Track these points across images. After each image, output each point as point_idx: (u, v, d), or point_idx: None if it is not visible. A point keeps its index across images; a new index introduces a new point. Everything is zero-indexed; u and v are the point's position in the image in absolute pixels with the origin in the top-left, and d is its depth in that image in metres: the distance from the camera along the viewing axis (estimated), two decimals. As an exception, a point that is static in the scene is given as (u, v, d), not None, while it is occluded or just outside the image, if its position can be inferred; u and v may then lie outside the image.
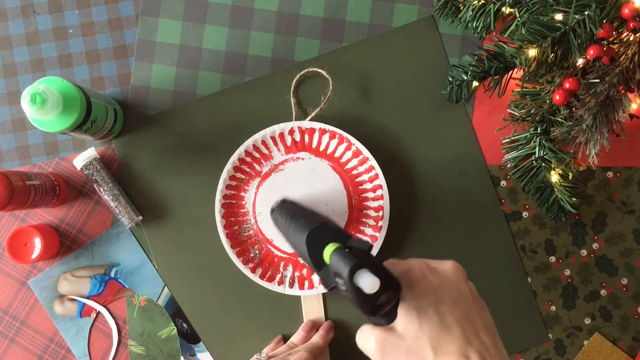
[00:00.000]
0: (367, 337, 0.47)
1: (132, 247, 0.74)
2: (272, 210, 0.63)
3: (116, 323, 0.74)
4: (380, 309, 0.45)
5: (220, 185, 0.71)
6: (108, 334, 0.74)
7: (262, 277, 0.71)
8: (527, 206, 0.74)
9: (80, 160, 0.71)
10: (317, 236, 0.51)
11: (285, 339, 0.73)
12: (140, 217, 0.73)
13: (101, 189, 0.72)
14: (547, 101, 0.67)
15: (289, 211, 0.59)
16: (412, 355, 0.44)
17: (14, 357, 0.73)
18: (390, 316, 0.46)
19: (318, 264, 0.50)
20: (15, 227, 0.73)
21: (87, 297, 0.74)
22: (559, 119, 0.66)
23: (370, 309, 0.44)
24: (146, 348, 0.74)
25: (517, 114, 0.69)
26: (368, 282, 0.43)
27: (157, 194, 0.74)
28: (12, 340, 0.74)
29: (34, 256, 0.70)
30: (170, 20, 0.75)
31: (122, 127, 0.74)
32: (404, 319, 0.45)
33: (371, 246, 0.47)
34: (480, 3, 0.68)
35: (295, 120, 0.73)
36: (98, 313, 0.74)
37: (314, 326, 0.72)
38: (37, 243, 0.70)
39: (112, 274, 0.74)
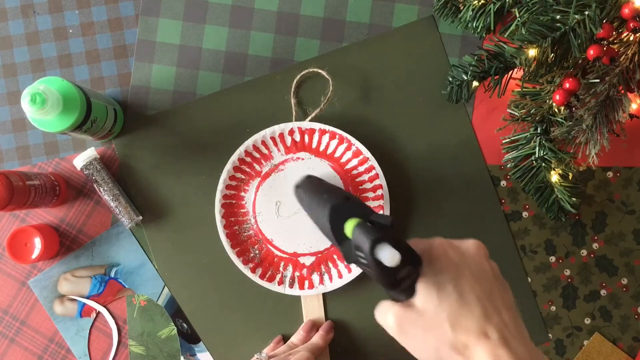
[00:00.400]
0: (385, 313, 0.47)
1: (132, 247, 0.74)
2: (297, 186, 0.63)
3: (116, 323, 0.74)
4: (401, 284, 0.45)
5: (220, 185, 0.71)
6: (108, 334, 0.74)
7: (262, 277, 0.71)
8: (527, 206, 0.74)
9: (80, 160, 0.71)
10: (340, 211, 0.51)
11: (285, 339, 0.73)
12: (140, 217, 0.73)
13: (101, 189, 0.72)
14: (547, 101, 0.67)
15: (312, 187, 0.59)
16: (431, 331, 0.44)
17: (14, 357, 0.73)
18: (410, 292, 0.46)
19: (340, 238, 0.50)
20: (15, 227, 0.73)
21: (87, 297, 0.74)
22: (559, 119, 0.66)
23: (391, 283, 0.45)
24: (146, 348, 0.74)
25: (517, 114, 0.69)
26: (389, 255, 0.43)
27: (157, 194, 0.74)
28: (12, 340, 0.74)
29: (34, 256, 0.70)
30: (170, 20, 0.75)
31: (122, 127, 0.74)
32: (423, 295, 0.45)
33: (393, 221, 0.47)
34: (480, 3, 0.68)
35: (295, 120, 0.73)
36: (98, 313, 0.74)
37: (314, 326, 0.72)
38: (37, 243, 0.70)
39: (112, 274, 0.74)
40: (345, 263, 0.50)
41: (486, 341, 0.43)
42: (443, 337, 0.44)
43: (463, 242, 0.49)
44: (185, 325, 0.74)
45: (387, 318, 0.46)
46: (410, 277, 0.45)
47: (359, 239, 0.45)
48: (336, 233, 0.50)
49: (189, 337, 0.74)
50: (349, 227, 0.48)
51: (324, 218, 0.51)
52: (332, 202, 0.52)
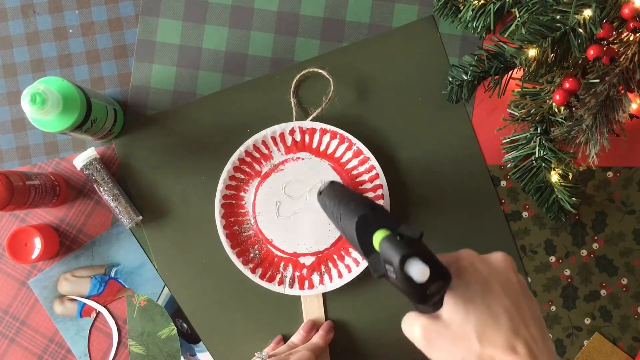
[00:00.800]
0: (412, 325, 0.46)
1: (132, 247, 0.74)
2: (320, 193, 0.62)
3: (116, 323, 0.74)
4: (430, 298, 0.44)
5: (220, 186, 0.71)
6: (108, 334, 0.74)
7: (262, 277, 0.71)
8: (527, 206, 0.74)
9: (80, 160, 0.71)
10: (367, 222, 0.50)
11: (285, 339, 0.73)
12: (140, 217, 0.73)
13: (101, 189, 0.72)
14: (547, 101, 0.67)
15: (337, 195, 0.58)
16: (458, 344, 0.44)
17: (14, 357, 0.73)
18: (437, 305, 0.45)
19: (367, 250, 0.49)
20: (15, 227, 0.73)
21: (87, 297, 0.74)
22: (559, 119, 0.66)
23: (420, 298, 0.44)
24: (146, 348, 0.74)
25: (517, 114, 0.69)
26: (418, 271, 0.42)
27: (157, 194, 0.74)
28: (12, 340, 0.74)
29: (34, 256, 0.70)
30: (170, 20, 0.75)
31: (122, 127, 0.74)
32: (450, 307, 0.44)
33: (422, 233, 0.46)
34: (480, 3, 0.68)
35: (296, 120, 0.73)
36: (98, 313, 0.74)
37: (314, 326, 0.72)
38: (37, 243, 0.70)
39: (112, 274, 0.74)
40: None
41: (514, 356, 0.42)
42: (470, 350, 0.43)
43: (491, 255, 0.48)
44: (185, 325, 0.74)
45: (414, 329, 0.46)
46: (439, 292, 0.45)
47: (388, 253, 0.45)
48: (364, 245, 0.49)
49: (189, 337, 0.74)
50: (377, 239, 0.47)
51: (351, 229, 0.51)
52: (358, 212, 0.51)
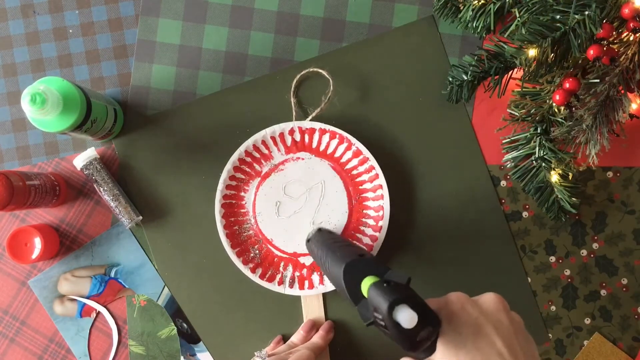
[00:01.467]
0: None
1: (132, 247, 0.74)
2: (308, 240, 0.63)
3: (116, 323, 0.74)
4: (420, 345, 0.44)
5: (220, 185, 0.71)
6: (108, 334, 0.74)
7: (262, 277, 0.71)
8: (527, 206, 0.74)
9: (80, 160, 0.71)
10: (354, 269, 0.50)
11: (285, 338, 0.73)
12: (140, 217, 0.73)
13: (101, 189, 0.72)
14: (547, 101, 0.67)
15: (325, 242, 0.58)
16: None
17: (14, 357, 0.73)
18: (429, 350, 0.45)
19: (356, 298, 0.49)
20: (15, 227, 0.73)
21: (87, 297, 0.74)
22: (559, 119, 0.66)
23: (410, 345, 0.43)
24: (146, 348, 0.74)
25: (517, 114, 0.69)
26: (406, 317, 0.42)
27: (157, 194, 0.74)
28: (12, 340, 0.74)
29: (34, 256, 0.70)
30: (170, 20, 0.75)
31: (122, 127, 0.74)
32: (442, 353, 0.44)
33: (409, 279, 0.46)
34: (480, 3, 0.68)
35: (296, 120, 0.73)
36: (98, 313, 0.74)
37: (314, 326, 0.72)
38: (37, 243, 0.70)
39: (112, 274, 0.74)
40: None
41: None
42: None
43: (481, 297, 0.47)
44: (185, 325, 0.74)
45: None
46: (429, 338, 0.44)
47: (376, 299, 0.44)
48: (352, 293, 0.49)
49: (189, 337, 0.74)
50: (365, 286, 0.47)
51: (339, 276, 0.50)
52: (345, 259, 0.51)
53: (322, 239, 0.60)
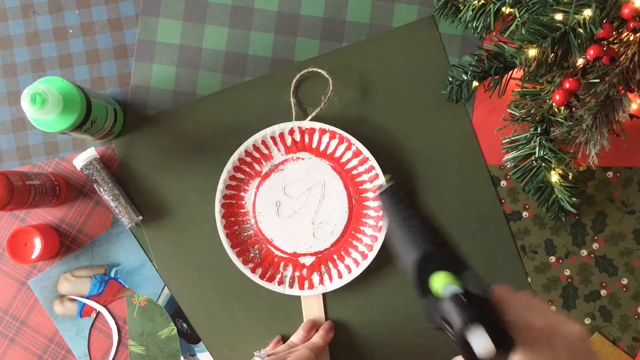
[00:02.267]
0: None
1: (132, 247, 0.74)
2: (381, 193, 0.53)
3: (116, 323, 0.74)
4: None
5: (220, 185, 0.71)
6: (108, 334, 0.74)
7: (262, 277, 0.71)
8: (527, 206, 0.74)
9: (80, 160, 0.71)
10: (429, 262, 0.45)
11: (285, 339, 0.73)
12: (140, 217, 0.73)
13: (101, 189, 0.72)
14: (547, 101, 0.67)
15: (400, 208, 0.50)
16: None
17: (14, 357, 0.73)
18: None
19: (423, 291, 0.44)
20: (15, 227, 0.73)
21: (87, 297, 0.74)
22: (559, 119, 0.66)
23: None
24: (146, 348, 0.74)
25: (517, 114, 0.69)
26: (482, 345, 0.38)
27: (157, 194, 0.74)
28: (12, 340, 0.74)
29: (34, 256, 0.70)
30: (170, 20, 0.75)
31: (122, 127, 0.74)
32: None
33: (488, 286, 0.42)
34: (480, 3, 0.68)
35: (295, 120, 0.73)
36: (98, 313, 0.74)
37: (314, 326, 0.72)
38: (37, 243, 0.70)
39: (112, 274, 0.74)
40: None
41: None
42: None
43: (569, 327, 0.42)
44: (185, 325, 0.74)
45: None
46: (498, 359, 0.40)
47: (450, 313, 0.40)
48: (420, 284, 0.44)
49: (189, 337, 0.74)
50: (437, 284, 0.43)
51: (408, 265, 0.46)
52: (421, 246, 0.46)
53: (400, 204, 0.51)
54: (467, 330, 0.39)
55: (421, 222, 0.49)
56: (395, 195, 0.52)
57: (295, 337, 0.71)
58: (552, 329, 0.41)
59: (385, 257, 0.72)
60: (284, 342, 0.71)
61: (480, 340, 0.38)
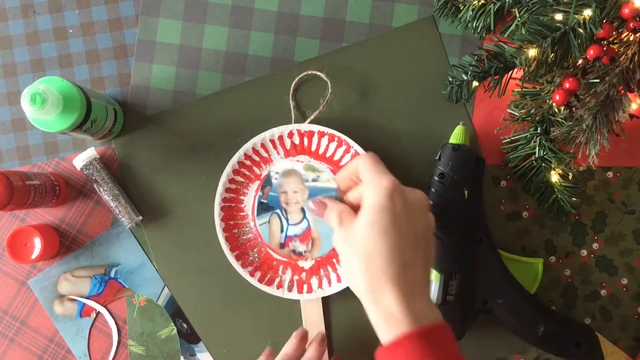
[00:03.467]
0: (331, 211, 0.58)
1: (132, 247, 0.74)
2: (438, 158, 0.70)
3: (116, 323, 0.74)
4: None
5: (220, 189, 0.71)
6: (108, 334, 0.74)
7: (261, 280, 0.71)
8: (527, 206, 0.74)
9: (80, 160, 0.71)
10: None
11: (284, 340, 0.72)
12: (140, 217, 0.73)
13: (101, 189, 0.72)
14: (547, 101, 0.67)
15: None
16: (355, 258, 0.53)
17: (14, 357, 0.73)
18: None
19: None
20: (15, 227, 0.73)
21: (87, 297, 0.74)
22: (559, 119, 0.66)
23: None
24: (146, 348, 0.74)
25: (517, 114, 0.69)
26: None
27: (157, 194, 0.74)
28: (12, 340, 0.74)
29: (34, 256, 0.70)
30: (170, 20, 0.75)
31: (122, 127, 0.74)
32: (360, 227, 0.52)
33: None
34: (480, 3, 0.68)
35: (295, 123, 0.73)
36: (98, 313, 0.74)
37: (307, 335, 0.69)
38: (37, 243, 0.70)
39: (112, 274, 0.74)
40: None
41: (395, 289, 0.50)
42: (355, 268, 0.52)
43: (411, 191, 0.54)
44: (185, 325, 0.74)
45: (331, 216, 0.56)
46: None
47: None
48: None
49: (189, 337, 0.74)
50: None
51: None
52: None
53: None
54: None
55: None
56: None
57: (288, 347, 0.67)
58: (396, 187, 0.53)
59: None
60: (277, 351, 0.67)
61: None
